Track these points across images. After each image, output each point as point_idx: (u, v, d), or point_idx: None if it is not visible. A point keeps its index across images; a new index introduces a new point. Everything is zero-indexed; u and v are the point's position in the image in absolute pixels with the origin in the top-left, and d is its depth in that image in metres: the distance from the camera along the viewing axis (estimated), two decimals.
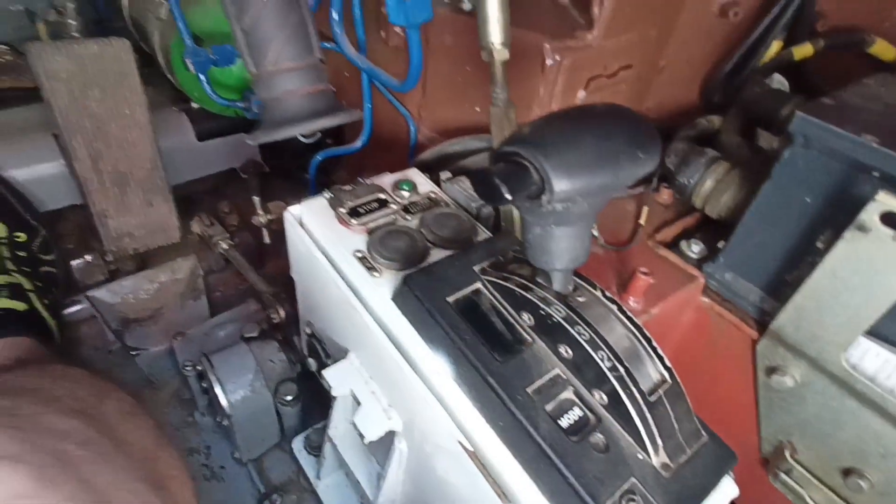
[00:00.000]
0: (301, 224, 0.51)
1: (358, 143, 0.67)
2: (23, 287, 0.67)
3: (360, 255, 0.46)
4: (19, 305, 0.65)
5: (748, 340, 0.55)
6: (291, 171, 1.12)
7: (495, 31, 0.46)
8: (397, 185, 0.54)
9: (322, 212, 0.51)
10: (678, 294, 0.57)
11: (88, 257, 0.89)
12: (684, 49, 0.72)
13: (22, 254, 0.73)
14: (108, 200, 0.79)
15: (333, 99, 0.32)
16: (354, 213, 0.49)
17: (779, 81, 0.70)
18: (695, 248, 0.62)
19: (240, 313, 0.87)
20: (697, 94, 0.80)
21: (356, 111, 0.39)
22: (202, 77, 0.71)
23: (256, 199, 0.73)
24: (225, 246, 0.91)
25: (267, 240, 0.77)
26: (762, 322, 0.54)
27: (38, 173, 0.86)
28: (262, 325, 0.81)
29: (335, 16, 0.54)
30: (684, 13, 0.69)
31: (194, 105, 0.97)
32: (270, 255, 0.90)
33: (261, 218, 0.74)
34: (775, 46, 0.70)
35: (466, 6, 0.52)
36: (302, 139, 0.73)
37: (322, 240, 0.48)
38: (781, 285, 0.53)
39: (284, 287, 0.82)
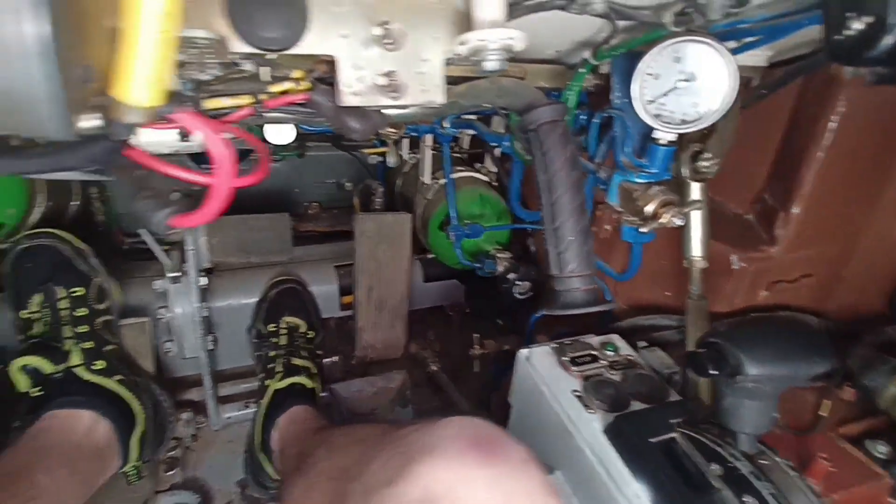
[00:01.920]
0: (529, 363, 0.70)
1: None
2: (311, 371, 0.95)
3: (577, 394, 0.63)
4: (308, 383, 0.92)
5: None
6: (485, 313, 1.36)
7: (697, 248, 0.64)
8: (604, 345, 0.70)
9: (546, 357, 0.69)
10: (862, 488, 0.61)
11: (335, 358, 1.18)
12: (868, 266, 0.82)
13: (310, 346, 1.02)
14: (368, 319, 1.09)
15: (599, 293, 0.51)
16: (574, 362, 0.67)
17: None
18: (881, 449, 0.65)
19: None
20: (884, 303, 0.86)
21: (614, 302, 0.58)
22: (457, 244, 1.00)
23: (476, 336, 0.95)
24: (434, 367, 1.13)
25: (476, 368, 0.97)
26: None
27: (321, 291, 1.20)
28: None
29: None
30: (865, 239, 0.80)
31: (428, 255, 1.29)
32: (473, 380, 1.10)
33: (476, 350, 0.95)
34: None
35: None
36: (518, 295, 0.95)
37: (547, 378, 0.66)
38: None
39: (481, 406, 1.00)
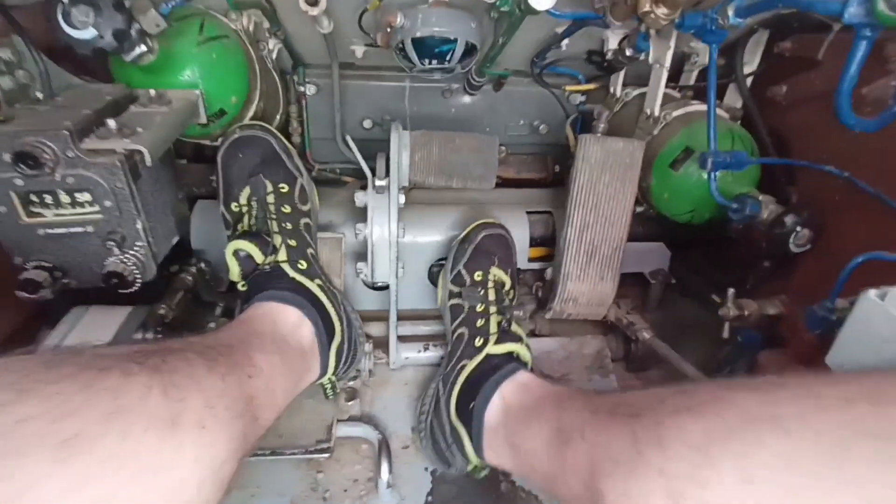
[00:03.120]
0: (890, 306, 0.48)
1: None
2: (526, 342, 0.75)
3: None
4: (526, 356, 0.73)
5: None
6: (693, 288, 1.13)
7: None
8: None
9: None
10: None
11: (519, 312, 1.03)
12: None
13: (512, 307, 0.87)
14: (575, 265, 0.92)
15: None
16: None
17: None
18: None
19: None
20: None
21: None
22: (713, 175, 0.79)
23: (731, 292, 0.74)
24: (647, 335, 0.93)
25: (726, 334, 0.76)
26: None
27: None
28: None
29: None
30: None
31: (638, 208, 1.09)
32: (692, 353, 0.87)
33: (730, 311, 0.74)
34: None
35: None
36: (794, 247, 0.72)
37: None
38: None
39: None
